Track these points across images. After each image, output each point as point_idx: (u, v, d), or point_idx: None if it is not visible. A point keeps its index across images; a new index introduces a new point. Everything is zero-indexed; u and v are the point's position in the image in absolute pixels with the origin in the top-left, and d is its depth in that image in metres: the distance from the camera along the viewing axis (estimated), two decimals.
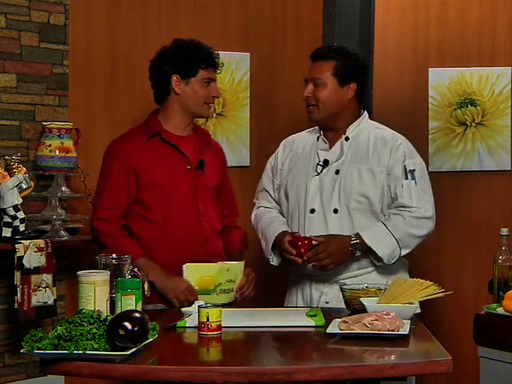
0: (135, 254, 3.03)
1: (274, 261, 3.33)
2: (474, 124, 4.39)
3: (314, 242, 3.16)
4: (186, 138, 3.32)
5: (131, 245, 3.15)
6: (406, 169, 3.23)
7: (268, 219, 3.39)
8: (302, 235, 3.22)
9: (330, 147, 3.32)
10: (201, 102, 3.29)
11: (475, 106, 4.39)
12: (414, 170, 3.23)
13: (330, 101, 3.27)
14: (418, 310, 3.10)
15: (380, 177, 3.22)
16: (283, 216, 3.40)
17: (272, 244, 3.30)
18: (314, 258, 3.15)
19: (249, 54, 4.22)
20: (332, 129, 3.32)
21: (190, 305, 3.00)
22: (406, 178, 3.22)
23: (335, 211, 3.24)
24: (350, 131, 3.31)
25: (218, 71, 3.36)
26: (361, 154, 3.26)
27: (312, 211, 3.26)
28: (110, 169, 3.23)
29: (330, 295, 3.22)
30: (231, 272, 3.17)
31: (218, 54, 3.35)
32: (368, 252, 3.18)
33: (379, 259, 3.19)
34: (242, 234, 3.47)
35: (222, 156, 3.49)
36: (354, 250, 3.16)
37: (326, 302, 3.22)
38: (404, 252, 3.20)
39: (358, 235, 3.17)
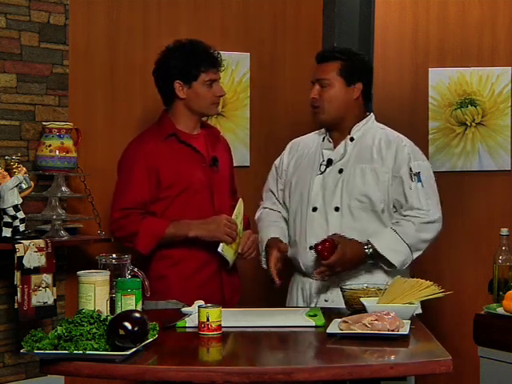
0: (164, 223, 3.25)
1: (265, 264, 3.34)
2: (474, 124, 4.39)
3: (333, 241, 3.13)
4: (198, 136, 3.40)
5: (157, 219, 3.28)
6: (411, 171, 3.22)
7: (267, 222, 3.43)
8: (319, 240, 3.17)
9: (335, 147, 3.32)
10: (207, 103, 3.35)
11: (475, 106, 4.39)
12: (418, 172, 3.23)
13: (337, 101, 3.27)
14: (419, 310, 3.10)
15: (384, 177, 3.22)
16: (285, 219, 3.43)
17: (265, 249, 3.33)
18: (329, 272, 3.13)
19: (249, 54, 4.22)
20: (337, 129, 3.32)
21: (235, 238, 3.25)
22: (413, 181, 3.21)
23: (336, 209, 3.24)
24: (355, 132, 3.30)
25: (221, 69, 3.38)
26: (365, 155, 3.26)
27: (314, 209, 3.27)
28: (133, 169, 3.29)
29: (330, 295, 3.22)
30: (239, 216, 3.34)
31: (218, 53, 3.37)
32: (379, 259, 3.18)
33: (391, 265, 3.18)
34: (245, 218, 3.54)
35: (230, 150, 3.58)
36: (366, 259, 3.17)
37: (325, 301, 3.22)
38: (415, 256, 3.21)
39: (369, 243, 3.16)
